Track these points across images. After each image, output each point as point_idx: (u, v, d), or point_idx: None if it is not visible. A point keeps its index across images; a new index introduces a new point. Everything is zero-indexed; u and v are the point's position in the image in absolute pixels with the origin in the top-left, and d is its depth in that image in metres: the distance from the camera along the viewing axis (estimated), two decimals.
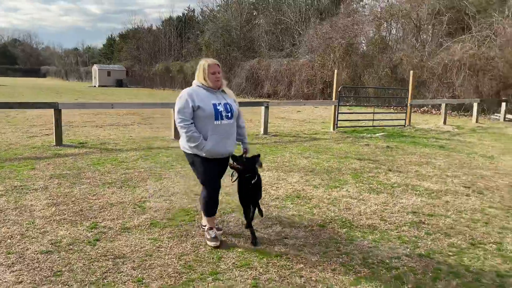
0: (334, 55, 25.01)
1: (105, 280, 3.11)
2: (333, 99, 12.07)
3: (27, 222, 4.23)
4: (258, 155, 3.90)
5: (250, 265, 3.40)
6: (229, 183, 4.26)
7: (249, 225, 3.91)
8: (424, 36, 24.30)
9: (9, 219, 4.29)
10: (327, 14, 31.18)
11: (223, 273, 3.26)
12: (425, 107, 20.34)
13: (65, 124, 11.08)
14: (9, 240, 3.77)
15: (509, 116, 16.48)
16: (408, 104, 13.66)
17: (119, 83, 50.49)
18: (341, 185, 5.95)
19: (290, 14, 33.56)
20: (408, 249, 3.80)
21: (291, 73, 27.85)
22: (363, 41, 27.38)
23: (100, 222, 4.28)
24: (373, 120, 13.16)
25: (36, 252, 3.54)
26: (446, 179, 6.51)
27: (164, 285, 3.06)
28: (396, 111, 17.27)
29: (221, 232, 4.03)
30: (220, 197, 3.93)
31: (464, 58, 19.23)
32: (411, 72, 13.91)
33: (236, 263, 3.44)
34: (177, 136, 9.77)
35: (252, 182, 3.81)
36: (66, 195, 5.17)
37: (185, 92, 3.69)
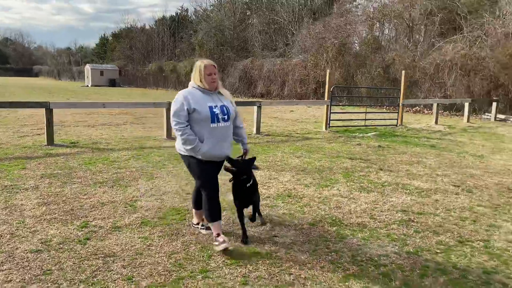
0: (327, 55, 25.09)
1: (95, 279, 3.11)
2: (326, 99, 12.12)
3: (17, 221, 4.22)
4: (254, 158, 3.88)
5: (240, 263, 3.42)
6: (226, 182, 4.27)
7: (241, 224, 3.92)
8: (417, 36, 24.47)
9: None
10: (320, 14, 31.28)
11: (213, 271, 3.28)
12: (417, 107, 20.48)
13: (57, 123, 11.03)
14: None
15: (499, 115, 16.65)
16: (400, 104, 13.75)
17: (112, 83, 50.30)
18: (332, 184, 5.99)
19: (283, 14, 33.62)
20: (397, 247, 3.84)
21: (284, 73, 27.90)
22: (356, 41, 27.49)
23: (91, 221, 4.28)
24: (365, 119, 13.23)
25: (25, 251, 3.53)
26: (436, 178, 6.57)
27: (154, 283, 3.08)
28: (388, 111, 17.37)
29: (211, 231, 4.04)
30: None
31: (456, 58, 19.39)
32: (403, 72, 14.00)
33: (226, 261, 3.46)
34: (169, 135, 9.78)
35: (247, 185, 3.80)
36: (57, 194, 5.16)
37: (180, 94, 3.65)
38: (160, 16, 70.87)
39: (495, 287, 3.18)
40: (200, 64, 3.67)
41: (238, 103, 4.29)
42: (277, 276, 3.21)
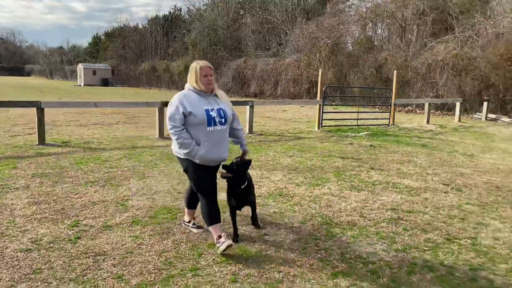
0: (320, 55, 25.16)
1: (85, 277, 3.12)
2: (318, 99, 12.17)
3: (7, 221, 4.21)
4: (250, 161, 3.87)
5: (230, 261, 3.44)
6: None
7: (233, 224, 3.94)
8: (409, 36, 24.62)
9: None
10: (313, 13, 31.37)
11: (203, 269, 3.31)
12: (409, 107, 20.62)
13: (49, 123, 10.99)
14: None
15: (490, 115, 16.82)
16: (392, 104, 13.84)
17: (105, 82, 50.08)
18: (323, 183, 6.04)
19: (276, 13, 33.66)
20: (385, 245, 3.89)
21: (278, 72, 27.95)
22: (349, 41, 27.60)
23: (81, 221, 4.28)
24: (358, 119, 13.30)
25: (15, 251, 3.53)
26: (426, 176, 6.64)
27: (144, 281, 3.09)
28: (381, 110, 17.47)
29: (202, 230, 4.07)
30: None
31: (447, 58, 19.55)
32: (395, 72, 14.09)
33: (216, 259, 3.48)
34: (161, 135, 9.78)
35: (242, 187, 3.79)
36: (48, 194, 5.15)
37: (176, 97, 3.60)
38: (153, 15, 70.69)
39: (481, 283, 3.23)
40: (195, 65, 3.62)
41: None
42: (266, 274, 3.24)
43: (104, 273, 3.20)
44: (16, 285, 2.99)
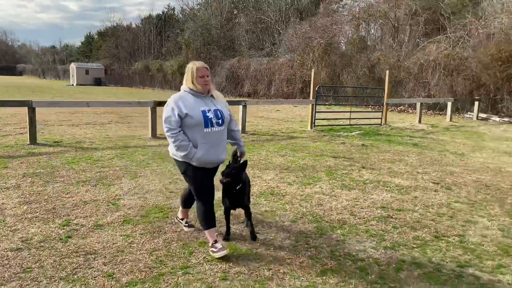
0: (313, 55, 25.25)
1: (75, 276, 3.13)
2: (311, 98, 12.22)
3: None
4: (246, 162, 3.83)
5: (221, 259, 3.46)
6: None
7: (227, 223, 3.95)
8: (402, 36, 24.76)
9: None
10: (307, 14, 31.46)
11: (193, 267, 3.33)
12: (402, 106, 20.76)
13: (41, 123, 10.94)
14: None
15: (481, 115, 16.99)
16: (384, 103, 13.93)
17: (98, 82, 49.88)
18: (315, 182, 6.08)
19: (270, 13, 33.72)
20: (375, 242, 3.93)
21: (271, 72, 28.00)
22: (342, 41, 27.71)
23: (72, 220, 4.29)
24: (350, 119, 13.37)
25: (5, 250, 3.53)
26: (417, 175, 6.70)
27: (134, 279, 3.11)
28: (373, 110, 17.57)
29: (193, 228, 4.09)
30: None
31: (439, 58, 19.70)
32: (387, 71, 14.18)
33: (206, 257, 3.50)
34: (154, 135, 9.78)
35: (237, 187, 3.76)
36: (39, 193, 5.14)
37: (171, 99, 3.53)
38: (146, 14, 70.37)
39: (468, 280, 3.28)
40: (192, 66, 3.57)
41: None
42: (256, 272, 3.27)
43: (94, 271, 3.21)
44: (6, 284, 2.99)
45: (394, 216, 4.68)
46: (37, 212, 4.47)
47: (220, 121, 3.57)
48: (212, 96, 3.67)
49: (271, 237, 3.98)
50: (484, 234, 4.26)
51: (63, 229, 4.03)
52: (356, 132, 11.55)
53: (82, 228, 4.06)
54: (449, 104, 16.22)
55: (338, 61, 25.21)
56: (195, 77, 3.52)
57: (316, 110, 12.32)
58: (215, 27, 37.70)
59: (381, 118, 13.77)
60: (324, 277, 3.21)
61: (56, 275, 3.13)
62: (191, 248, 3.67)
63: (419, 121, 14.60)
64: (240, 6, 38.30)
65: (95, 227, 4.10)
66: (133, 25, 56.84)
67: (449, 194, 5.68)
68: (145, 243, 3.77)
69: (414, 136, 11.45)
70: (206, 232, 3.66)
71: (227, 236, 3.90)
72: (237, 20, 37.51)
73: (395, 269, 3.39)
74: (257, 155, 7.98)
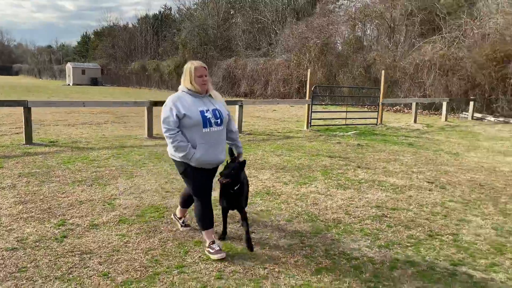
0: (309, 55, 25.30)
1: (71, 275, 3.14)
2: (307, 98, 12.25)
3: None
4: (244, 161, 3.82)
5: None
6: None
7: (224, 223, 3.95)
8: (398, 37, 24.85)
9: None
10: (303, 14, 31.51)
11: (189, 266, 3.34)
12: (397, 106, 20.83)
13: (36, 122, 10.92)
14: None
15: (476, 114, 17.08)
16: (380, 103, 13.98)
17: (94, 82, 49.76)
18: (311, 182, 6.10)
19: (267, 13, 33.76)
20: (369, 241, 3.96)
21: (268, 72, 28.04)
22: (338, 41, 27.78)
23: (68, 219, 4.29)
24: (346, 118, 13.41)
25: (1, 250, 3.53)
26: (412, 175, 6.74)
27: (130, 278, 3.12)
28: (369, 110, 17.62)
29: (189, 228, 4.11)
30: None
31: (435, 58, 19.79)
32: (383, 72, 14.24)
33: (202, 256, 3.52)
34: (150, 135, 9.78)
35: (235, 188, 3.73)
36: (35, 193, 5.14)
37: (169, 100, 3.49)
38: (143, 14, 70.32)
39: (461, 278, 3.31)
40: (190, 66, 3.52)
41: None
42: (251, 271, 3.29)
43: (90, 271, 3.22)
44: (1, 283, 3.00)
45: (388, 215, 4.71)
46: (32, 212, 4.47)
47: (218, 120, 3.54)
48: (210, 95, 3.64)
49: (267, 236, 4.00)
50: (478, 233, 4.29)
51: (59, 228, 4.04)
52: (352, 132, 11.59)
53: (78, 228, 4.07)
54: (444, 104, 16.29)
55: (334, 61, 25.27)
56: (193, 77, 3.48)
57: (312, 110, 12.35)
58: (211, 27, 37.70)
59: (377, 118, 13.82)
60: (318, 276, 3.24)
61: (52, 274, 3.14)
62: (186, 248, 3.69)
63: (415, 121, 14.66)
64: (237, 6, 38.32)
65: (90, 227, 4.11)
66: (130, 25, 56.86)
67: (444, 193, 5.72)
68: (141, 242, 3.78)
69: (410, 135, 11.50)
70: (203, 232, 3.66)
71: (223, 236, 3.91)
72: (233, 20, 37.52)
73: (389, 268, 3.42)
74: (253, 154, 8.00)
